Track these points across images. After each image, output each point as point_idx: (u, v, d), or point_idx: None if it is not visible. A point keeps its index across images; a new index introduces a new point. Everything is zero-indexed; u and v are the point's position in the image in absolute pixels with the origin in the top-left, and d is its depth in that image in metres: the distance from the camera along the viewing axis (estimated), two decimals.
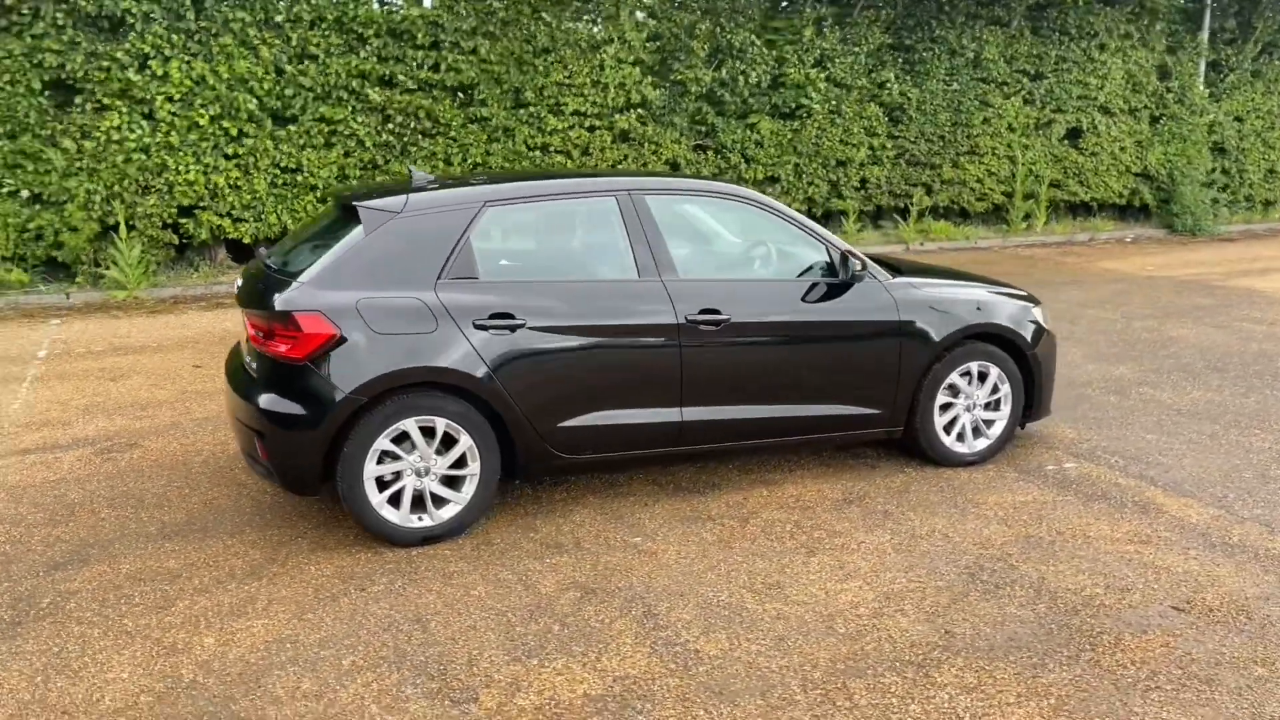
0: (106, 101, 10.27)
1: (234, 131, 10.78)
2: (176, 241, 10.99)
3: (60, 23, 9.99)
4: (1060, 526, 4.48)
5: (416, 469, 4.20)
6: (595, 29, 12.50)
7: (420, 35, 11.39)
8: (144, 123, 10.44)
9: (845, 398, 4.94)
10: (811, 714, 3.06)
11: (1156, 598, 3.81)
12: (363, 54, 11.27)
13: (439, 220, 4.32)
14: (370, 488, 4.12)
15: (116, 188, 10.37)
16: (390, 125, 11.54)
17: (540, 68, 12.09)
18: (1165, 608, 3.73)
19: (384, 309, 4.10)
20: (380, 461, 4.13)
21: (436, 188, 4.57)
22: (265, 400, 4.09)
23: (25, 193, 10.10)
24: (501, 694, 3.15)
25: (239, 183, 10.94)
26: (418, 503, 4.24)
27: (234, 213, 11.02)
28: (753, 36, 13.39)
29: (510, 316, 4.26)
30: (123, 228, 10.37)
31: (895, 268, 5.37)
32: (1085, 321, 8.95)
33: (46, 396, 6.53)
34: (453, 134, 11.81)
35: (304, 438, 4.04)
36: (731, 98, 13.46)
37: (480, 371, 4.18)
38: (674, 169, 13.26)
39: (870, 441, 5.33)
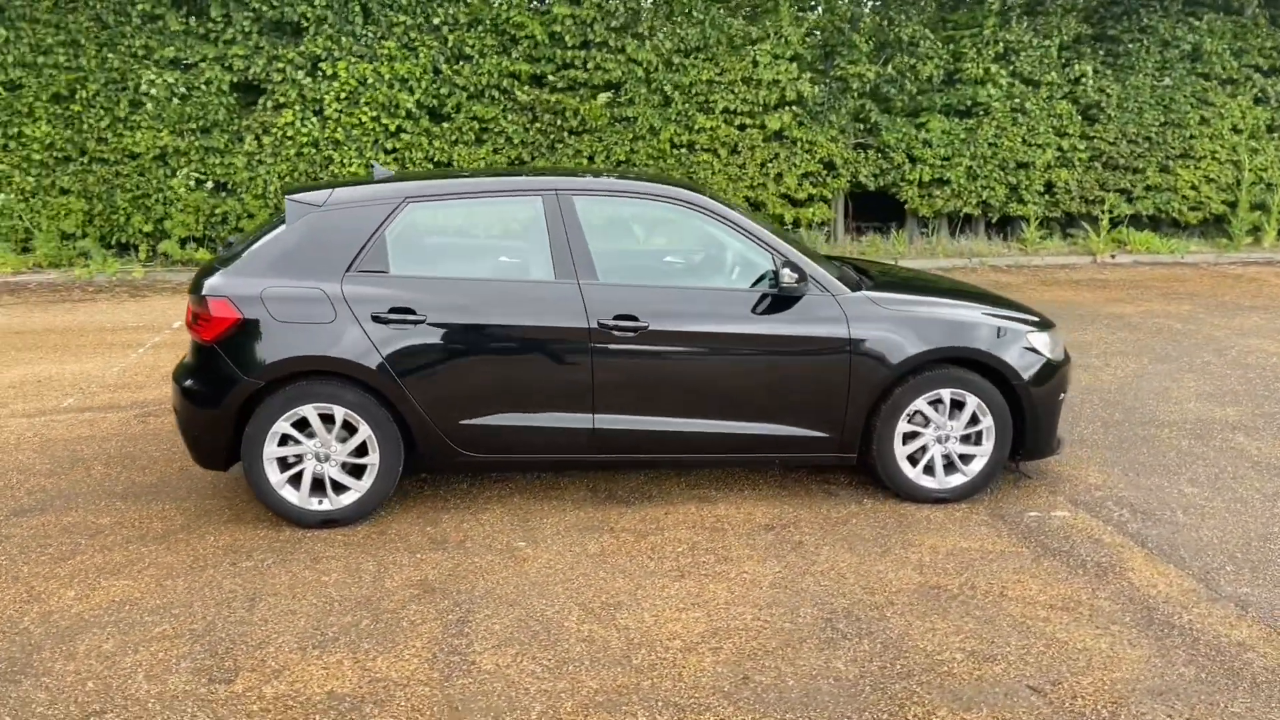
0: (283, 100, 11.34)
1: (392, 127, 11.57)
2: None
3: (247, 29, 11.12)
4: (980, 581, 3.96)
5: (316, 454, 4.38)
6: (751, 25, 12.27)
7: (569, 37, 11.68)
8: (314, 119, 11.43)
9: (783, 418, 4.62)
10: None
11: (1021, 674, 3.29)
12: (514, 54, 11.71)
13: (357, 214, 4.47)
14: (271, 468, 4.35)
15: (288, 179, 11.43)
16: (538, 124, 11.93)
17: (689, 66, 12.04)
18: (1021, 686, 3.22)
19: (285, 298, 4.31)
20: (282, 444, 4.35)
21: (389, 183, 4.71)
22: (182, 378, 4.42)
23: (211, 183, 11.37)
24: (257, 679, 3.25)
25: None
26: (319, 487, 4.43)
27: None
28: (925, 29, 12.63)
29: (411, 312, 4.34)
30: (261, 215, 11.43)
31: (873, 278, 4.96)
32: (1234, 353, 7.76)
33: (147, 363, 7.36)
34: (598, 132, 12.02)
35: (208, 416, 4.34)
36: (899, 94, 12.79)
37: (375, 363, 4.29)
38: (828, 169, 12.81)
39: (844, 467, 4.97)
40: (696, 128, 12.26)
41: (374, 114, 11.49)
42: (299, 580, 3.95)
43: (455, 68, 11.62)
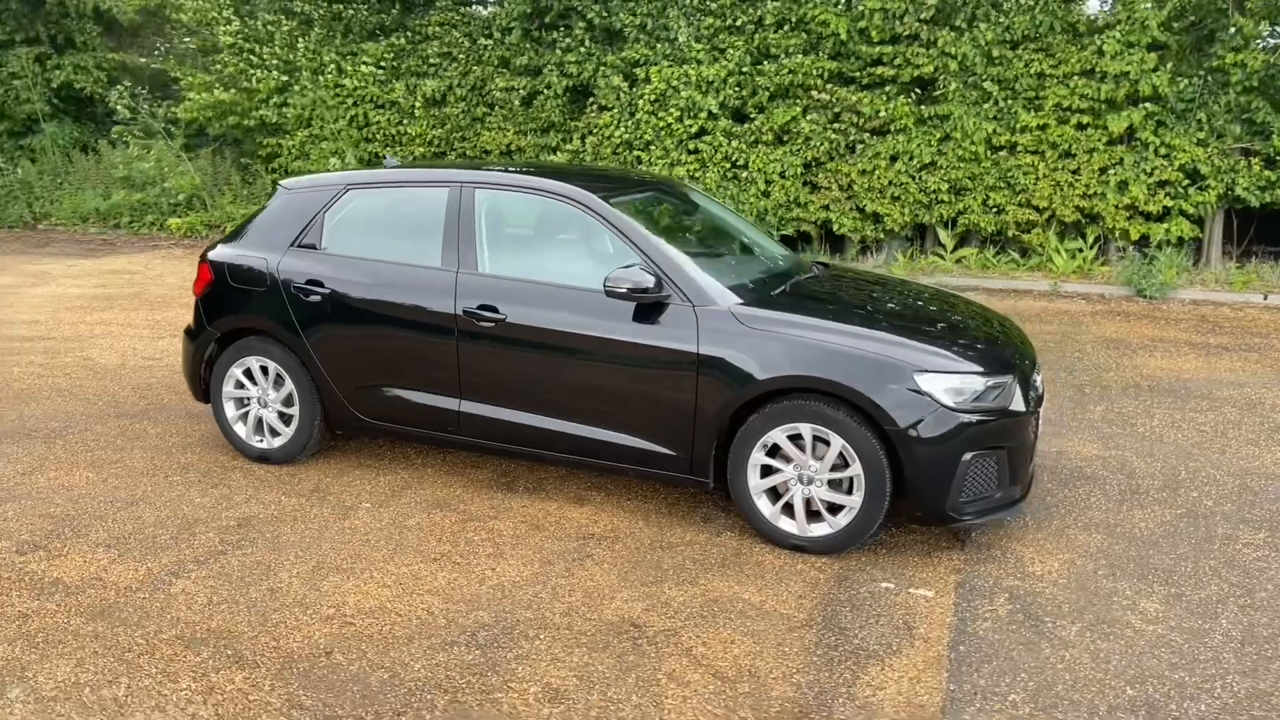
0: (605, 103, 12.43)
1: (694, 129, 12.08)
2: None
3: (580, 38, 12.38)
4: (690, 635, 3.49)
5: (258, 399, 5.16)
6: (1098, 10, 10.66)
7: (875, 32, 11.19)
8: (629, 120, 12.36)
9: (632, 428, 4.37)
10: (96, 659, 3.39)
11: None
12: (820, 53, 11.52)
13: (309, 197, 5.13)
14: (229, 406, 5.22)
15: None
16: (837, 124, 11.62)
17: (1015, 58, 10.83)
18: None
19: (240, 265, 5.12)
20: (238, 387, 5.20)
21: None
22: (189, 326, 5.46)
23: None
24: (45, 559, 4.09)
25: (696, 174, 12.23)
26: (261, 428, 5.20)
27: None
28: None
29: (320, 285, 4.90)
30: None
31: (791, 292, 4.47)
32: None
33: None
34: (903, 133, 11.37)
35: (193, 357, 5.32)
36: None
37: (292, 327, 4.94)
38: (1191, 178, 10.67)
39: None
40: (1019, 127, 10.97)
41: (677, 115, 12.07)
42: (175, 495, 4.75)
43: (759, 68, 11.74)
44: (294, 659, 3.34)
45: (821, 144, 11.63)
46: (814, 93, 11.49)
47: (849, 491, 4.05)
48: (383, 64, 13.28)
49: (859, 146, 11.58)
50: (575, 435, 4.49)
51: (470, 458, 5.26)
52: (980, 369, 4.03)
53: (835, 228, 11.92)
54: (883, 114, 11.30)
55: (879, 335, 4.09)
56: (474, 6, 12.75)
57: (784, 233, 12.19)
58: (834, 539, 4.10)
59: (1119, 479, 5.00)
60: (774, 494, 4.21)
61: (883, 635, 3.52)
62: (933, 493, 3.95)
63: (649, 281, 4.20)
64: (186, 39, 15.72)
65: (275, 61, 13.65)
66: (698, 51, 11.82)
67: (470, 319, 4.56)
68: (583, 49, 12.38)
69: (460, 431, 4.74)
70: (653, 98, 12.12)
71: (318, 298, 4.91)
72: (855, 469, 3.99)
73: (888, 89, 11.36)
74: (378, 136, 13.55)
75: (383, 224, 5.08)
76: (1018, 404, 4.08)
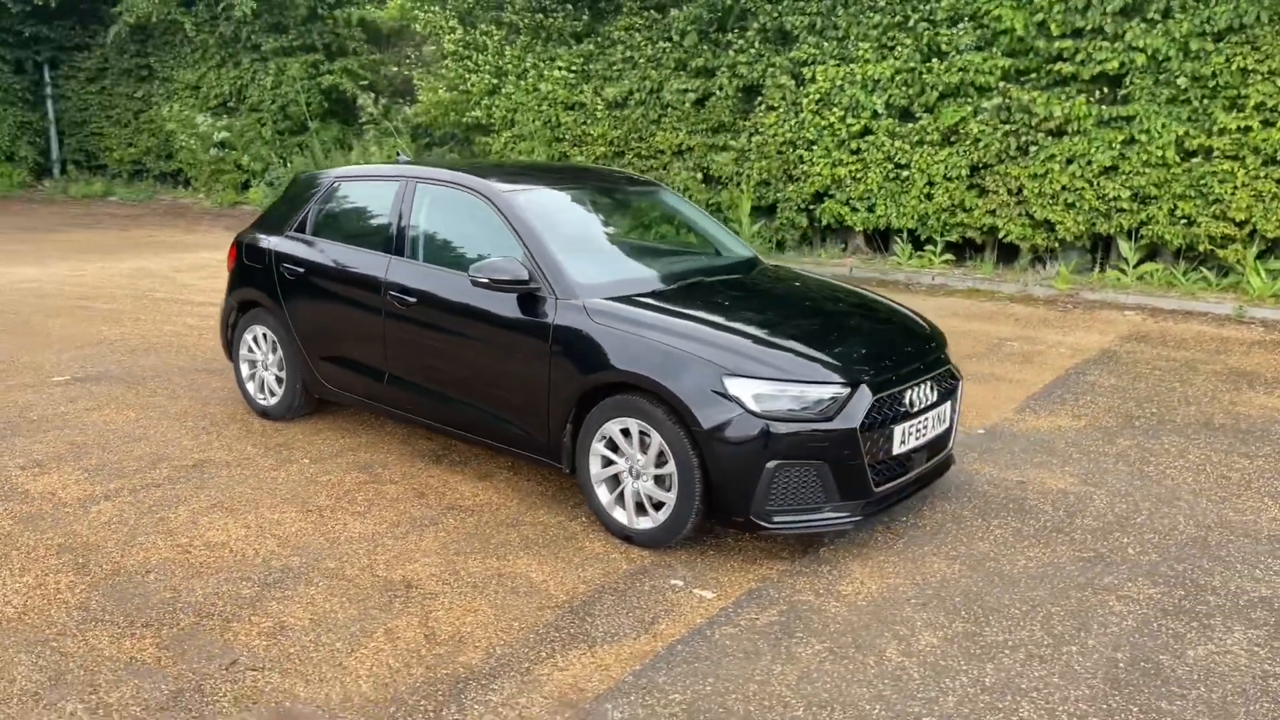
0: (772, 103, 12.42)
1: (858, 128, 11.76)
2: (806, 224, 12.62)
3: (751, 39, 12.45)
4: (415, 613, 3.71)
5: (262, 363, 5.90)
6: None
7: (1054, 26, 10.34)
8: (794, 120, 12.27)
9: (508, 410, 4.62)
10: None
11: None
12: (994, 49, 10.84)
13: (308, 188, 5.79)
14: (244, 366, 6.01)
15: (764, 175, 12.53)
16: (1009, 125, 10.86)
17: (1215, 52, 9.61)
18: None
19: (251, 245, 5.87)
20: (250, 351, 5.97)
21: None
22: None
23: (701, 175, 13.08)
24: None
25: (858, 175, 11.92)
26: (264, 387, 5.94)
27: (851, 202, 12.07)
28: None
29: (298, 265, 5.53)
30: (744, 208, 12.57)
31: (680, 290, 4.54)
32: None
33: None
34: (1081, 134, 10.43)
35: (221, 321, 6.16)
36: None
37: (277, 300, 5.62)
38: None
39: None
40: (1216, 129, 9.71)
41: (840, 114, 11.80)
42: (172, 436, 5.56)
43: (926, 65, 11.21)
44: (119, 573, 3.92)
45: (991, 145, 10.91)
46: (989, 91, 10.79)
47: (669, 489, 4.04)
48: (573, 69, 14.04)
49: (1032, 148, 10.73)
50: (465, 414, 4.79)
51: (425, 431, 5.69)
52: (800, 377, 3.87)
53: (1002, 235, 11.14)
54: (1058, 114, 10.41)
55: (705, 336, 4.05)
56: (654, 13, 13.14)
57: (948, 239, 11.56)
58: (655, 534, 4.11)
59: (1053, 515, 4.51)
60: (615, 483, 4.28)
61: (620, 625, 3.54)
62: (736, 497, 3.87)
63: (515, 273, 4.40)
64: (430, 47, 17.41)
65: (488, 67, 14.84)
66: (864, 50, 11.49)
67: (393, 301, 4.99)
68: (753, 50, 12.42)
69: (386, 403, 5.19)
70: (817, 97, 11.93)
71: (294, 277, 5.55)
72: (670, 466, 3.98)
73: (1067, 88, 10.44)
74: (566, 137, 14.34)
75: (354, 214, 5.61)
76: (847, 419, 3.87)
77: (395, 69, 18.49)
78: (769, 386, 3.85)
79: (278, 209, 5.97)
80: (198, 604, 3.68)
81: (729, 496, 3.89)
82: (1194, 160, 9.87)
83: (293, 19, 18.64)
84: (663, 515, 4.08)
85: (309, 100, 18.52)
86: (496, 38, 14.78)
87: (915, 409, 4.17)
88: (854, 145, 11.84)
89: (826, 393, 3.88)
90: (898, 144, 11.51)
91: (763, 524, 3.89)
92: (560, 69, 14.11)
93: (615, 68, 13.69)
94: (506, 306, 4.53)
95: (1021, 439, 5.58)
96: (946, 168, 11.22)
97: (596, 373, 4.18)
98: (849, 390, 3.92)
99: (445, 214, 5.14)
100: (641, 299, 4.43)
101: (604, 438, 4.23)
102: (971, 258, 11.88)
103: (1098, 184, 10.37)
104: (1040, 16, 10.36)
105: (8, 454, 5.25)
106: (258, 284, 5.79)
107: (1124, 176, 10.20)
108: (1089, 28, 10.14)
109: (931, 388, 4.32)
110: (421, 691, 3.14)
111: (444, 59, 15.73)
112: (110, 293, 10.14)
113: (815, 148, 12.08)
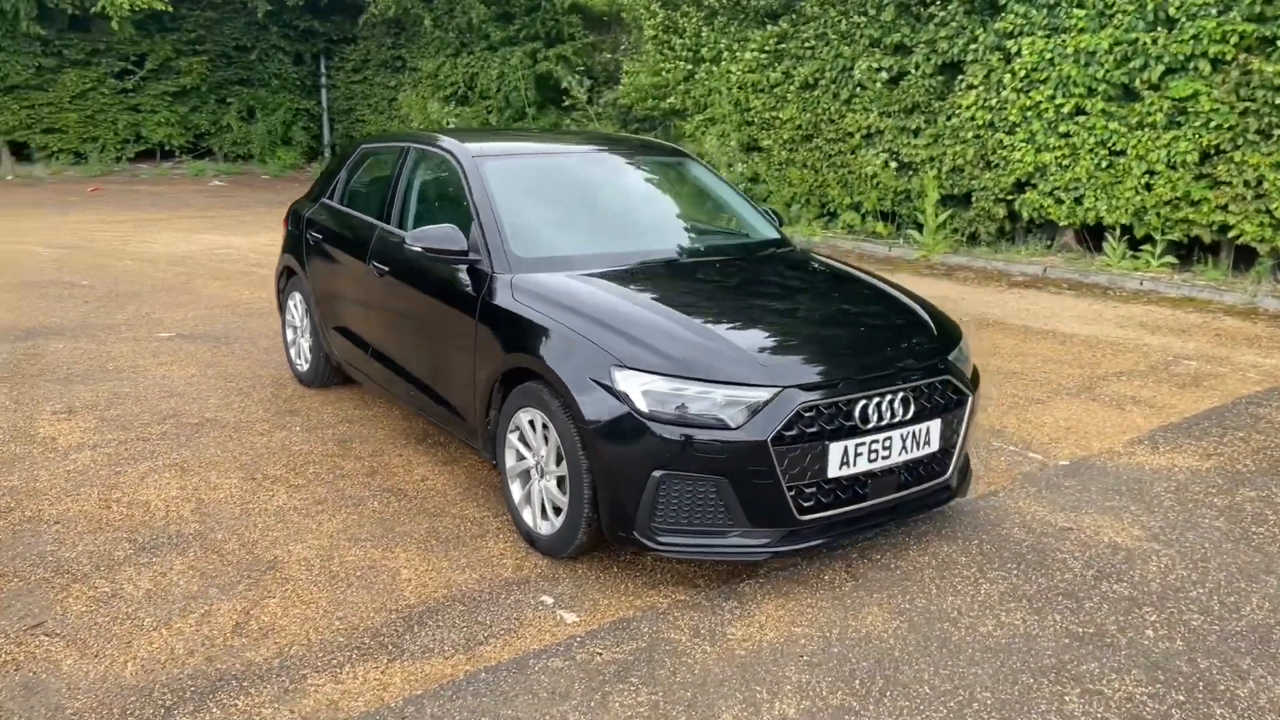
0: (973, 81, 11.15)
1: (1067, 108, 10.29)
2: (1004, 215, 11.22)
3: (954, 11, 11.23)
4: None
5: (295, 327, 5.87)
6: None
7: None
8: (995, 100, 10.95)
9: (445, 388, 4.23)
10: None
11: None
12: (1233, 13, 9.07)
13: (344, 158, 5.66)
14: (288, 332, 6.00)
15: (959, 160, 11.29)
16: (1252, 102, 9.05)
17: None
18: None
19: (294, 213, 5.85)
20: (291, 316, 5.95)
21: None
22: None
23: (894, 163, 11.98)
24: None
25: (1065, 162, 10.44)
26: (301, 354, 5.91)
27: (1056, 193, 10.60)
28: None
29: (318, 229, 5.43)
30: (930, 197, 11.34)
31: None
32: None
33: None
34: None
35: (275, 284, 6.19)
36: None
37: (304, 267, 5.55)
38: None
39: None
40: None
41: (1049, 93, 10.35)
42: (203, 395, 5.66)
43: (1153, 35, 9.57)
44: (31, 520, 3.90)
45: (1226, 127, 9.12)
46: (1226, 64, 9.04)
47: (566, 492, 3.49)
48: (765, 49, 13.34)
49: (1276, 132, 8.86)
50: (420, 395, 4.47)
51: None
52: (704, 375, 3.19)
53: (1233, 234, 9.31)
54: None
55: (614, 321, 3.44)
56: None
57: (1169, 238, 9.84)
58: (551, 541, 3.57)
59: (1078, 574, 3.56)
60: (528, 479, 3.78)
61: (443, 641, 3.11)
62: (615, 507, 3.25)
63: (452, 242, 4.00)
64: (638, 31, 17.27)
65: (685, 51, 14.46)
66: (1079, 19, 9.99)
67: (375, 271, 4.74)
68: (955, 23, 11.18)
69: (372, 378, 4.96)
70: (1022, 74, 10.54)
71: (314, 244, 5.45)
72: (564, 466, 3.43)
73: None
74: (755, 120, 13.68)
75: (366, 183, 5.42)
76: (755, 429, 3.13)
77: (609, 55, 18.53)
78: (663, 383, 3.19)
79: (319, 179, 5.93)
80: (65, 560, 3.59)
81: (612, 507, 3.27)
82: None
83: (519, 7, 19.16)
84: (559, 521, 3.53)
85: (526, 87, 18.97)
86: (695, 20, 14.37)
87: (870, 424, 3.33)
88: (1063, 128, 10.34)
89: (736, 394, 3.17)
90: (1114, 125, 9.91)
91: (646, 543, 3.24)
92: (753, 50, 13.46)
93: (807, 44, 12.85)
94: (453, 279, 4.13)
95: (1110, 476, 4.44)
96: (1170, 154, 9.52)
97: (509, 354, 3.70)
98: (769, 395, 3.18)
99: (428, 181, 4.84)
100: (587, 278, 3.87)
101: (516, 428, 3.73)
102: (1200, 260, 10.03)
103: None
104: None
105: (55, 399, 5.52)
106: (294, 250, 5.76)
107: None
108: None
109: (907, 400, 3.43)
110: (173, 686, 2.83)
111: (646, 43, 15.53)
112: None
113: (1018, 130, 10.68)
